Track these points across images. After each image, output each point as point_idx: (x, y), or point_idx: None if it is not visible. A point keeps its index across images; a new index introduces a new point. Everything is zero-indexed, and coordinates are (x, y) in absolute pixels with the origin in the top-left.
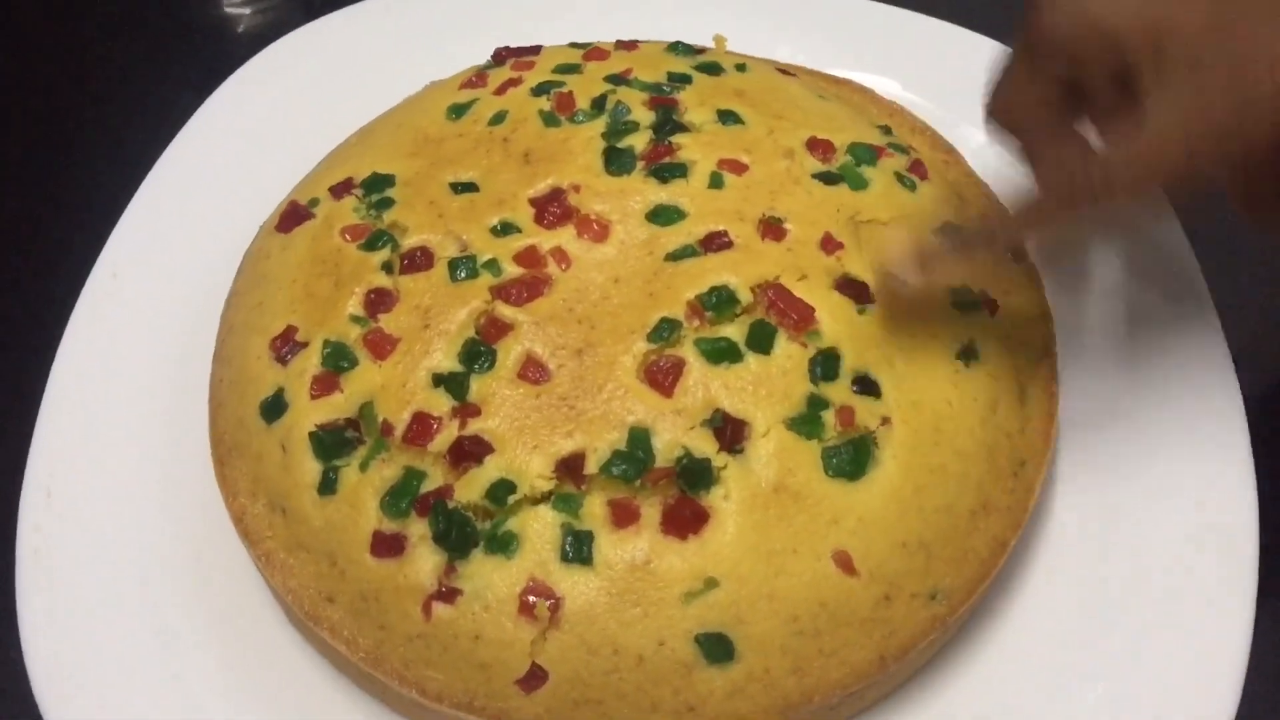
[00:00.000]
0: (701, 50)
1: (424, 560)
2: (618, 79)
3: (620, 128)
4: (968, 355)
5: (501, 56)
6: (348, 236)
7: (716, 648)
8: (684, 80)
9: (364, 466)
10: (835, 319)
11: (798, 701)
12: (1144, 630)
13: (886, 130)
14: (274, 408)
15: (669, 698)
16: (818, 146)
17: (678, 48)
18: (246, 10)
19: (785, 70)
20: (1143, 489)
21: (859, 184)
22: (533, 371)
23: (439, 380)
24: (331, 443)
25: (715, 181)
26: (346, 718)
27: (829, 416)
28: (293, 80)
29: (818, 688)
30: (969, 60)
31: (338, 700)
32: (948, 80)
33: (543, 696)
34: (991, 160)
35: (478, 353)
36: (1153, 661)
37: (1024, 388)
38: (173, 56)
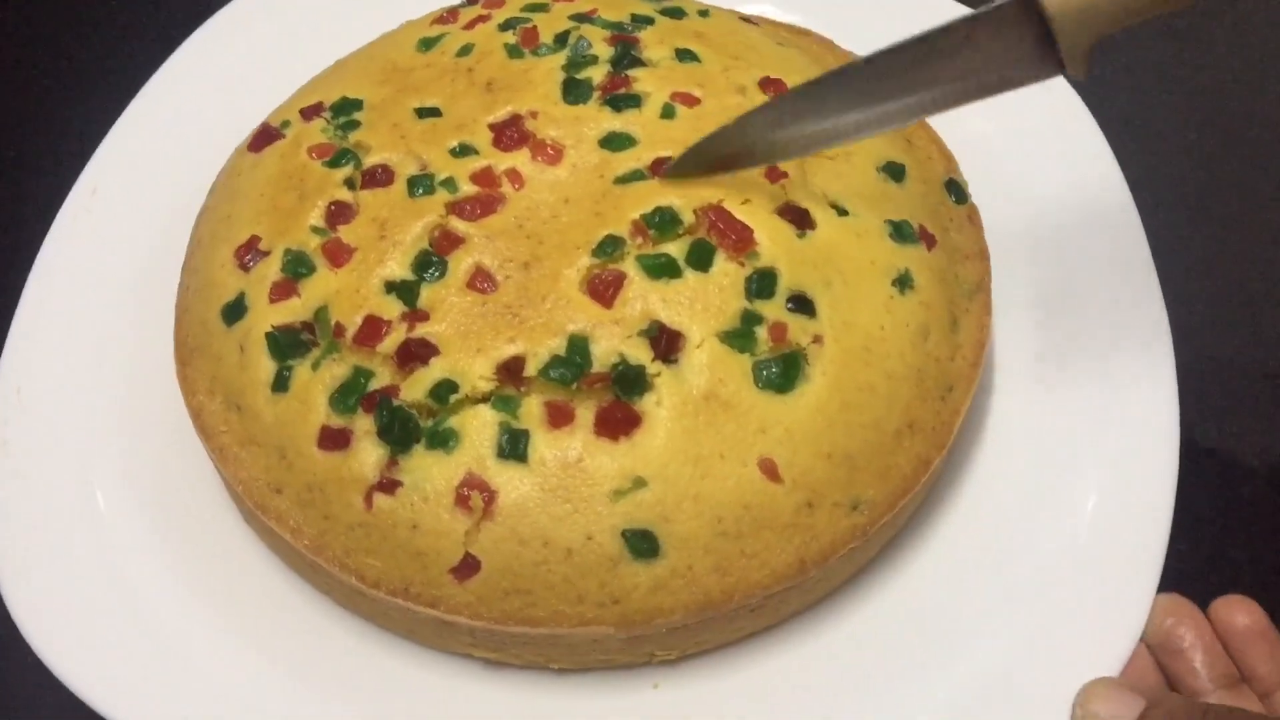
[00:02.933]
0: None
1: (368, 454)
2: (582, 17)
3: (580, 60)
4: (903, 283)
5: None
6: (314, 154)
7: (642, 544)
8: (646, 21)
9: (315, 366)
10: (774, 241)
11: (719, 599)
12: (1064, 555)
13: None
14: (234, 311)
15: (595, 590)
16: (770, 85)
17: None
18: None
19: (748, 19)
20: (1069, 420)
21: None
22: (481, 281)
23: (391, 287)
24: (286, 343)
25: (667, 112)
26: (294, 610)
27: (761, 332)
28: (279, 17)
29: (738, 587)
30: (930, 19)
31: (287, 594)
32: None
33: (475, 585)
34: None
35: (429, 263)
36: (1070, 589)
37: (956, 318)
38: None
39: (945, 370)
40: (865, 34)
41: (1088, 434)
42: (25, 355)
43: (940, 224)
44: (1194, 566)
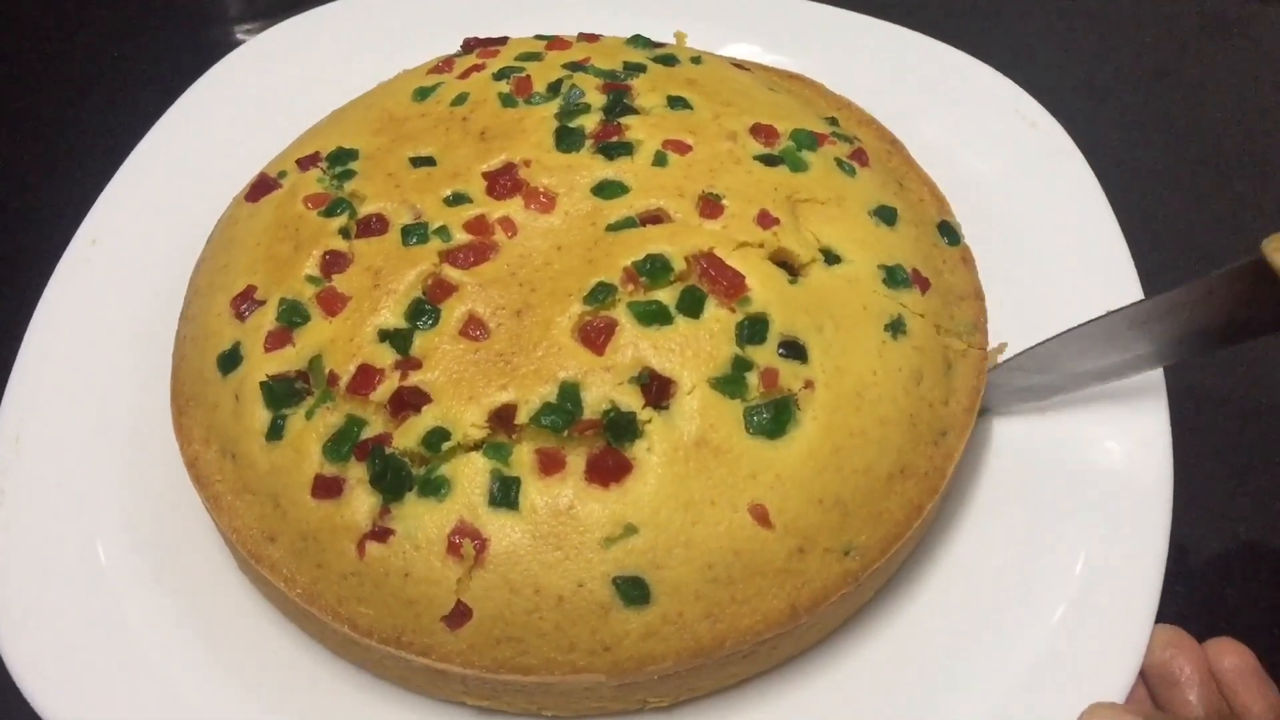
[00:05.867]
0: (661, 45)
1: (360, 502)
2: (575, 65)
3: (573, 108)
4: (895, 328)
5: (470, 45)
6: (309, 204)
7: (633, 590)
8: (639, 69)
9: (310, 414)
10: (766, 287)
11: (710, 646)
12: (1060, 598)
13: (833, 121)
14: (230, 360)
15: (586, 637)
16: (761, 131)
17: (637, 40)
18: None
19: (740, 65)
20: (1066, 457)
21: (799, 166)
22: (473, 329)
23: (385, 335)
24: (281, 392)
25: (659, 160)
26: (287, 657)
27: (753, 377)
28: (278, 68)
29: (730, 633)
30: (921, 61)
31: (283, 642)
32: (900, 79)
33: (466, 633)
34: (938, 153)
35: (423, 311)
36: (1064, 632)
37: (951, 362)
38: (166, 41)
39: (939, 415)
40: (852, 74)
41: (1083, 474)
42: (24, 404)
43: (934, 266)
44: (1190, 607)
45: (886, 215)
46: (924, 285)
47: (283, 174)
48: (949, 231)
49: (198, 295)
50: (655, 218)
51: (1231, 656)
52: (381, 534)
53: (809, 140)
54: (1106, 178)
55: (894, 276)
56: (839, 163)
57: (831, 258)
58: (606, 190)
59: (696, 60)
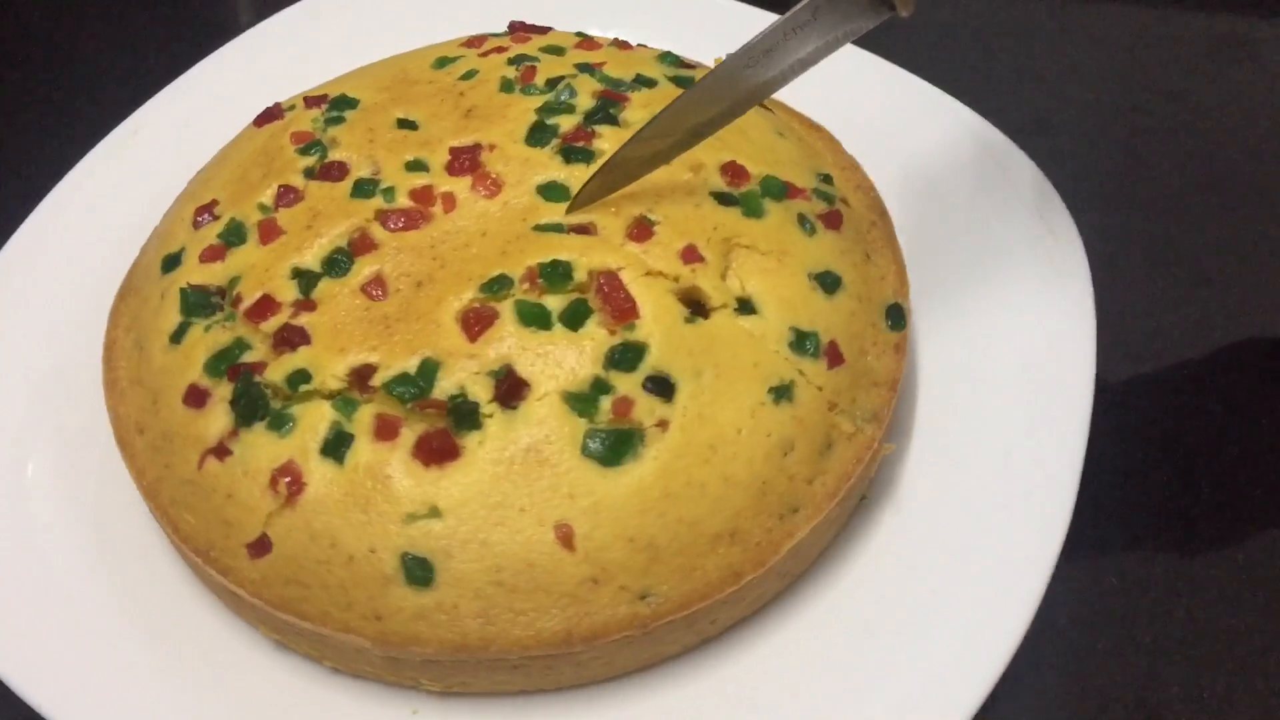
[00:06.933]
0: (691, 66)
1: (216, 418)
2: (586, 67)
3: (557, 106)
4: (781, 393)
5: (513, 27)
6: (294, 140)
7: (417, 570)
8: (648, 84)
9: (208, 328)
10: (657, 320)
11: (476, 645)
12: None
13: (825, 178)
14: (172, 262)
15: (362, 601)
16: (730, 170)
17: (666, 57)
18: None
19: (763, 103)
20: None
21: (754, 212)
22: (374, 288)
23: (297, 273)
24: (195, 301)
25: None
26: (140, 538)
27: (606, 402)
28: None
29: (498, 639)
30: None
31: (136, 526)
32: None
33: (262, 565)
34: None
35: (338, 260)
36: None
37: (833, 443)
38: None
39: (796, 490)
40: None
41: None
42: None
43: (858, 345)
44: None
45: (827, 282)
46: (835, 360)
47: (292, 107)
48: (896, 315)
49: (180, 198)
50: (584, 229)
51: None
52: (221, 452)
53: (778, 189)
54: (1112, 199)
55: (802, 343)
56: (800, 218)
57: (747, 308)
58: (550, 192)
59: None
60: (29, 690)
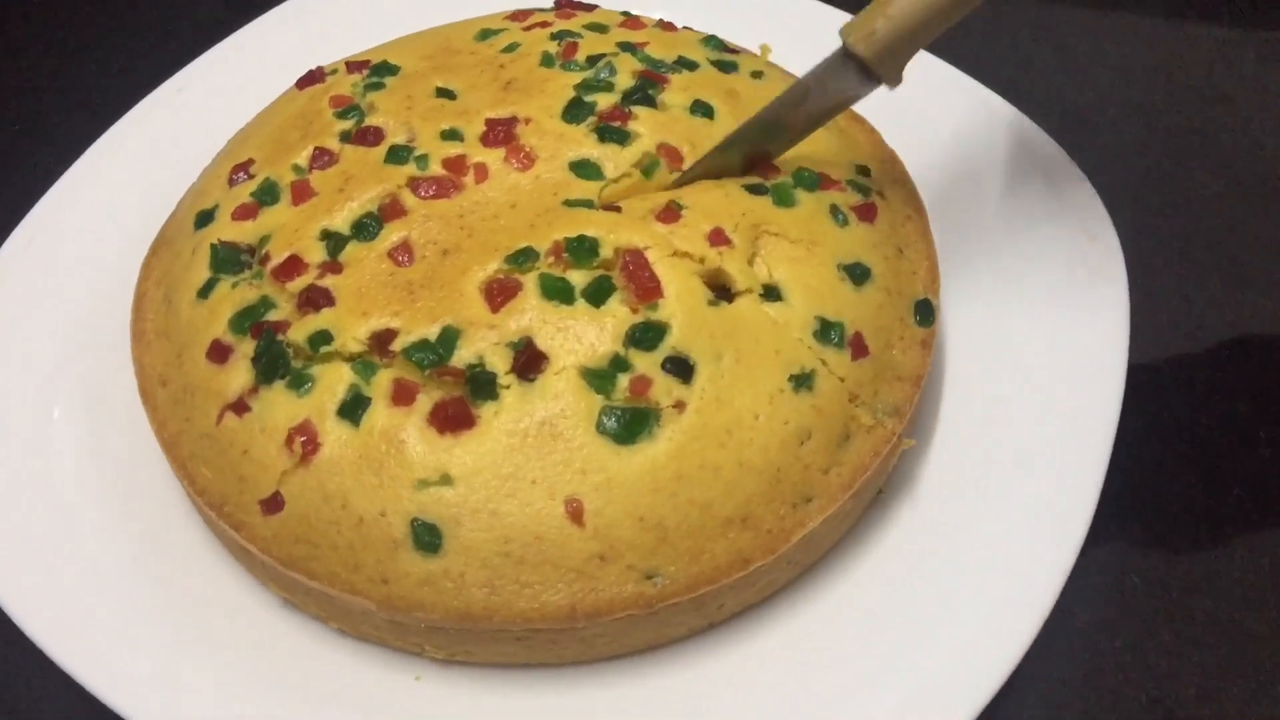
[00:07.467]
0: (736, 51)
1: (238, 374)
2: (628, 46)
3: (596, 84)
4: (801, 382)
5: (559, 3)
6: (332, 104)
7: (426, 536)
8: (689, 66)
9: (235, 285)
10: (680, 301)
11: (480, 614)
12: None
13: (863, 171)
14: (205, 218)
15: (370, 564)
16: (758, 161)
17: (710, 41)
18: None
19: None
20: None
21: (785, 201)
22: (400, 254)
23: (326, 235)
24: (225, 258)
25: (646, 161)
26: (158, 490)
27: (624, 380)
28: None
29: (501, 610)
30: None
31: (155, 477)
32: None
33: (274, 523)
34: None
35: (367, 225)
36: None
37: (850, 434)
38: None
39: (810, 480)
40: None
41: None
42: None
43: (884, 339)
44: None
45: (857, 273)
46: (859, 351)
47: (334, 71)
48: (925, 311)
49: (218, 157)
50: (614, 207)
51: None
52: (240, 408)
53: (811, 180)
54: (1151, 199)
55: (827, 332)
56: (833, 209)
57: (772, 294)
58: (582, 169)
59: (757, 75)
60: (32, 626)
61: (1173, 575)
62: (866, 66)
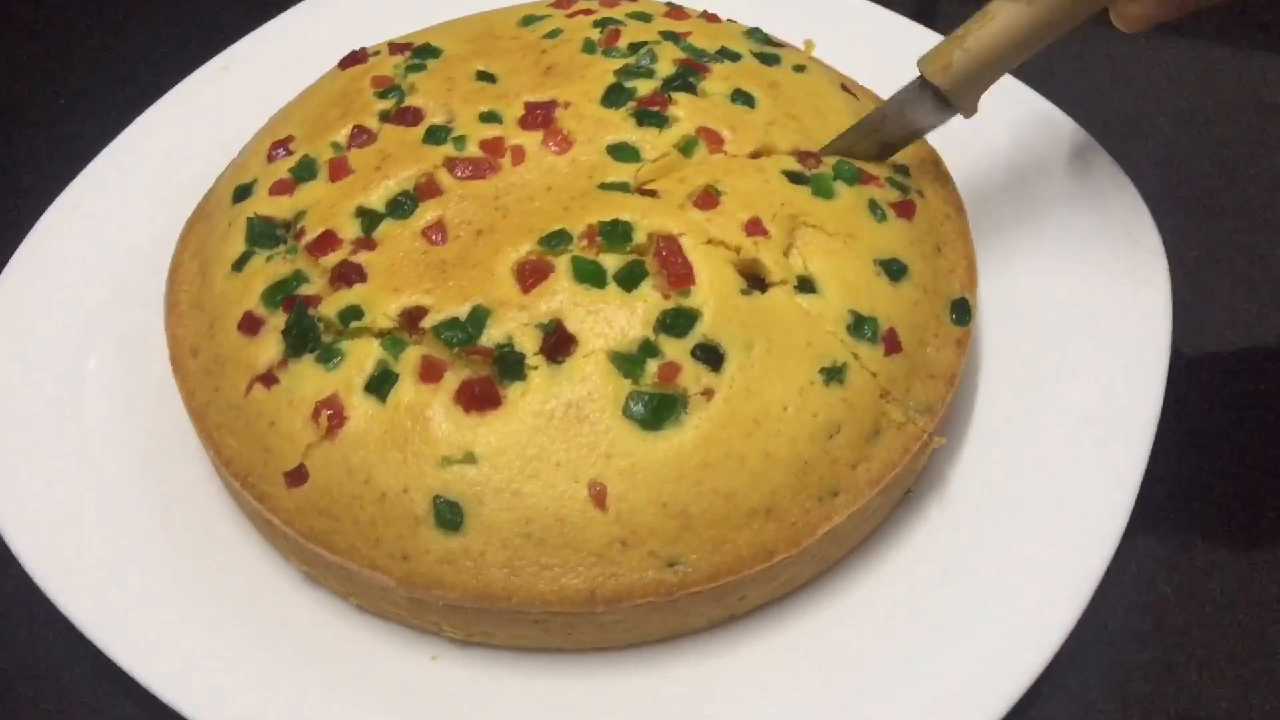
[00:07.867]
0: (779, 45)
1: (268, 347)
2: (671, 34)
3: (636, 70)
4: (832, 375)
5: None
6: (374, 84)
7: (448, 514)
8: (731, 57)
9: (269, 259)
10: (713, 288)
11: (499, 595)
12: None
13: (902, 169)
14: (243, 193)
15: (391, 540)
16: (803, 157)
17: (754, 33)
18: None
19: (848, 88)
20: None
21: (824, 193)
22: (434, 233)
23: (361, 213)
24: (261, 232)
25: (686, 142)
26: (185, 457)
27: (653, 365)
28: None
29: (520, 591)
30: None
31: (182, 444)
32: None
33: (298, 495)
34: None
35: (402, 203)
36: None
37: (880, 430)
38: None
39: (838, 474)
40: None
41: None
42: None
43: (919, 336)
44: None
45: (893, 269)
46: (893, 347)
47: (377, 52)
48: (961, 310)
49: (259, 133)
50: (650, 192)
51: None
52: (269, 380)
53: (851, 174)
54: (1198, 208)
55: (861, 327)
56: (872, 204)
57: (807, 286)
58: (620, 153)
59: (800, 68)
60: (51, 586)
61: (1207, 589)
62: (943, 96)
